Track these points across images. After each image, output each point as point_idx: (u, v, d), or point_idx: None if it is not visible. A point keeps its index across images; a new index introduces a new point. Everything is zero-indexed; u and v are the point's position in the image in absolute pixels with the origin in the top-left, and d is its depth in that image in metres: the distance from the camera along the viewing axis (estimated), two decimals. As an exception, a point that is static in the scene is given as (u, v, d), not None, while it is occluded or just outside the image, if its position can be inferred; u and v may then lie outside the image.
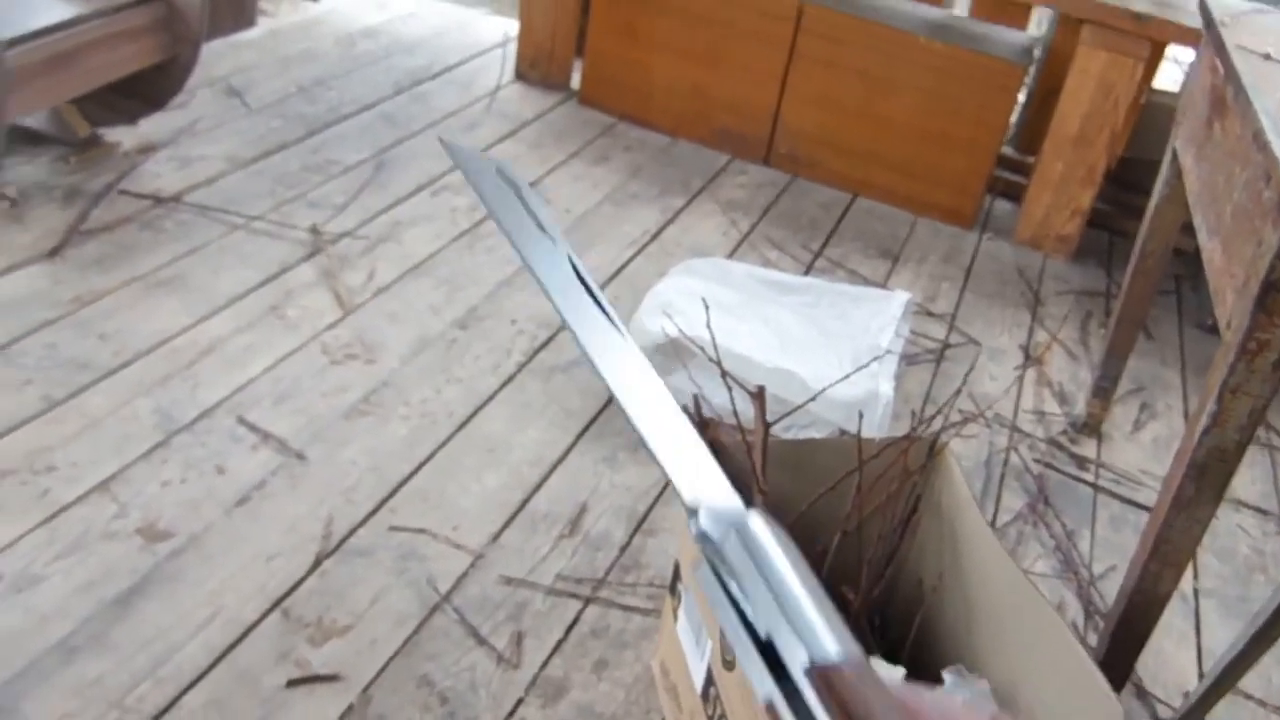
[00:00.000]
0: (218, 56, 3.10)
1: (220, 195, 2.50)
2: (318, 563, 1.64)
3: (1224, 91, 1.58)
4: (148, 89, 2.57)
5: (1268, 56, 1.55)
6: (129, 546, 1.60)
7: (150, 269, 2.21)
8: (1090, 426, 2.26)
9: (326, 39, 3.49)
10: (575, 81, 3.40)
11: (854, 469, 1.42)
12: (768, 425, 1.46)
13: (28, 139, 2.52)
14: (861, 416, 1.60)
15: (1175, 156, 1.89)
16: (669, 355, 2.10)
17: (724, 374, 1.48)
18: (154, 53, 2.48)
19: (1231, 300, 1.35)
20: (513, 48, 3.52)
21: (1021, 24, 3.18)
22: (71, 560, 1.56)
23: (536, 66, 3.43)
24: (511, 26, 3.72)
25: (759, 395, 1.50)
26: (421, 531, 1.72)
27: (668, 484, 1.90)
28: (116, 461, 1.74)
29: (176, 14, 2.46)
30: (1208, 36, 1.75)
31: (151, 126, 2.69)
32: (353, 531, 1.71)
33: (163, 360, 1.98)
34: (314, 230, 2.45)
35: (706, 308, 1.65)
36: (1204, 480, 1.38)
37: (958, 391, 1.71)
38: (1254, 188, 1.34)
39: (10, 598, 1.49)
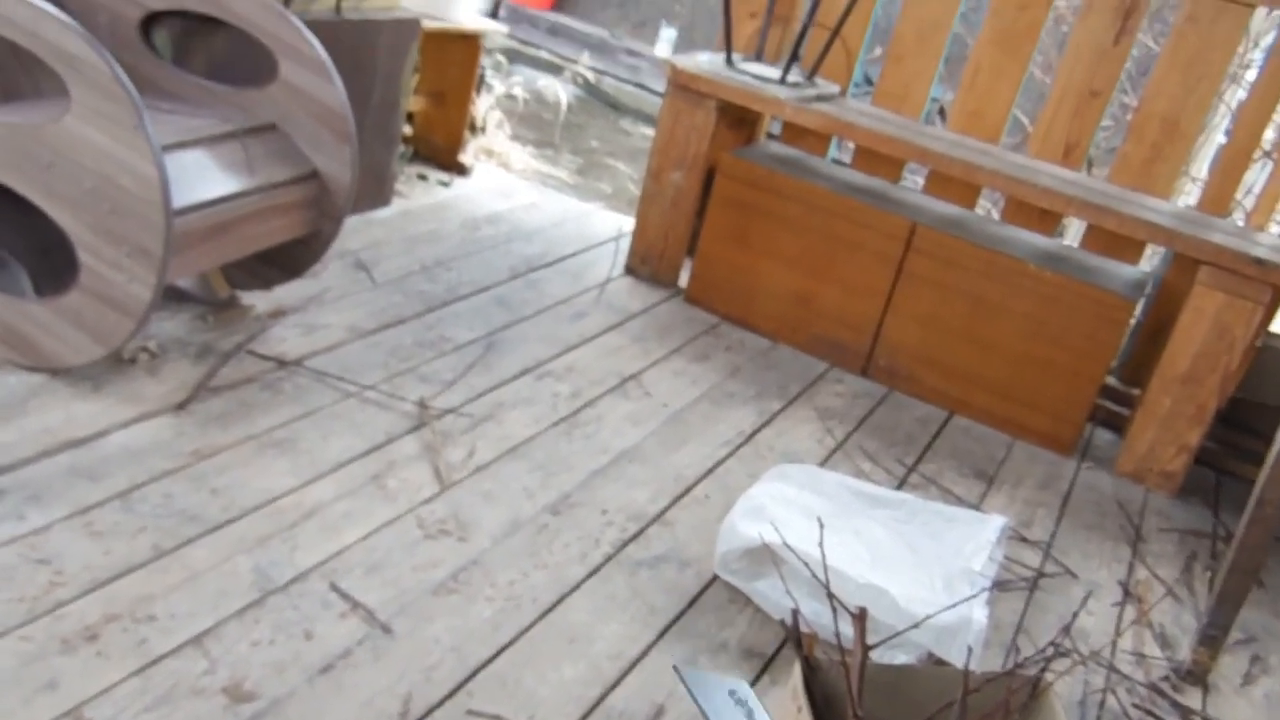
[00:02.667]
0: (352, 231, 3.25)
1: (338, 363, 2.58)
2: (392, 741, 1.61)
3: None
4: (288, 259, 2.70)
5: None
6: (213, 705, 1.59)
7: (266, 429, 2.27)
8: (1196, 675, 2.15)
9: (452, 221, 3.65)
10: (683, 280, 3.49)
11: (953, 701, 1.37)
12: (868, 648, 1.42)
13: (174, 296, 2.65)
14: (970, 651, 1.54)
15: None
16: (759, 560, 2.08)
17: (830, 596, 1.45)
18: (302, 226, 2.61)
19: None
20: (625, 243, 3.64)
21: (1133, 258, 3.20)
22: (158, 714, 1.55)
23: (647, 263, 3.53)
24: (626, 222, 3.86)
25: (860, 617, 1.47)
26: (498, 718, 1.69)
27: (751, 694, 1.85)
28: (212, 616, 1.75)
29: (327, 192, 2.60)
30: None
31: (284, 292, 2.81)
32: (430, 712, 1.67)
33: (266, 519, 2.01)
34: (421, 404, 2.50)
35: (821, 527, 1.63)
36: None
37: (1066, 629, 1.64)
38: None
39: (91, 747, 1.49)
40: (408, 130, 4.00)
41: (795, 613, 1.50)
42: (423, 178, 3.98)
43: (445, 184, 4.00)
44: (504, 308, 3.10)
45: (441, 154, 4.13)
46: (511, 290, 3.23)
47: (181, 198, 2.19)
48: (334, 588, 1.89)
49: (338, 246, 2.81)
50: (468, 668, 1.78)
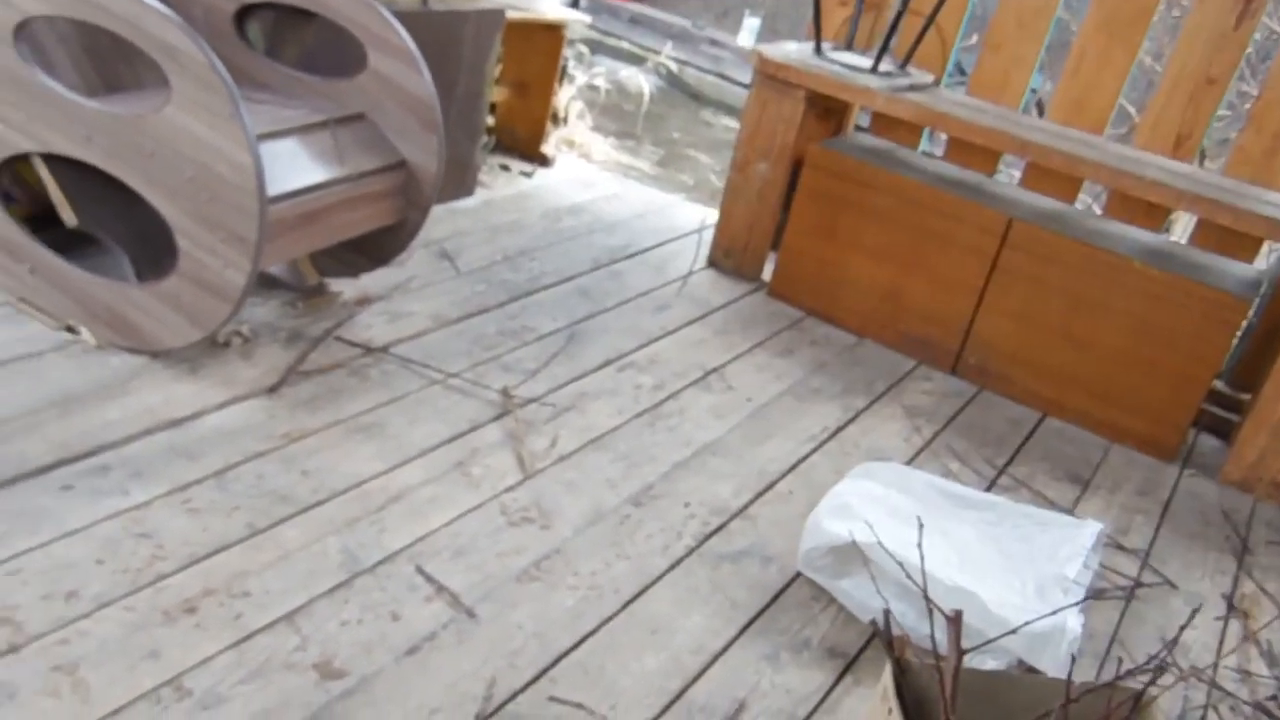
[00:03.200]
0: (436, 221, 3.32)
1: (423, 350, 2.65)
2: (475, 723, 1.66)
3: None
4: (375, 247, 2.77)
5: None
6: (305, 680, 1.66)
7: (353, 414, 2.34)
8: (1302, 693, 2.12)
9: (535, 212, 3.71)
10: (767, 273, 3.50)
11: (1050, 711, 1.38)
12: (962, 652, 1.43)
13: (265, 283, 2.74)
14: (1073, 660, 1.54)
15: None
16: (845, 558, 2.09)
17: (927, 599, 1.47)
18: (389, 215, 2.68)
19: None
20: (709, 235, 3.66)
21: (1248, 256, 3.14)
22: (253, 686, 1.62)
23: (730, 255, 3.56)
24: (709, 214, 3.88)
25: (955, 620, 1.48)
26: (579, 707, 1.73)
27: (830, 691, 1.87)
28: (304, 594, 1.82)
29: (414, 181, 2.67)
30: None
31: (371, 280, 2.89)
32: (513, 697, 1.72)
33: (354, 502, 2.08)
34: (504, 392, 2.56)
35: (921, 527, 1.67)
36: None
37: (1174, 641, 1.63)
38: None
39: (197, 714, 1.56)
40: (491, 121, 4.07)
41: (887, 613, 1.52)
42: (505, 168, 4.05)
43: (528, 174, 4.06)
44: (586, 298, 3.15)
45: (524, 144, 4.20)
46: (594, 281, 3.28)
47: (275, 186, 2.27)
48: (420, 571, 1.94)
49: (423, 236, 2.88)
50: (550, 655, 1.83)
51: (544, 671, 1.79)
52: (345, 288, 2.84)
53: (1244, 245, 3.12)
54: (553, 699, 1.74)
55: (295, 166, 2.44)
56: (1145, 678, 1.56)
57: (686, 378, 2.83)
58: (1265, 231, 2.89)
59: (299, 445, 2.20)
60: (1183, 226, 4.08)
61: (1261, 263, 3.29)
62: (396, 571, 1.93)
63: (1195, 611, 1.93)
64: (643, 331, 3.03)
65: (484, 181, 3.83)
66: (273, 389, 2.36)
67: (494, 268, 3.21)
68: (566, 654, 1.84)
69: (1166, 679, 2.03)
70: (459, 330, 2.80)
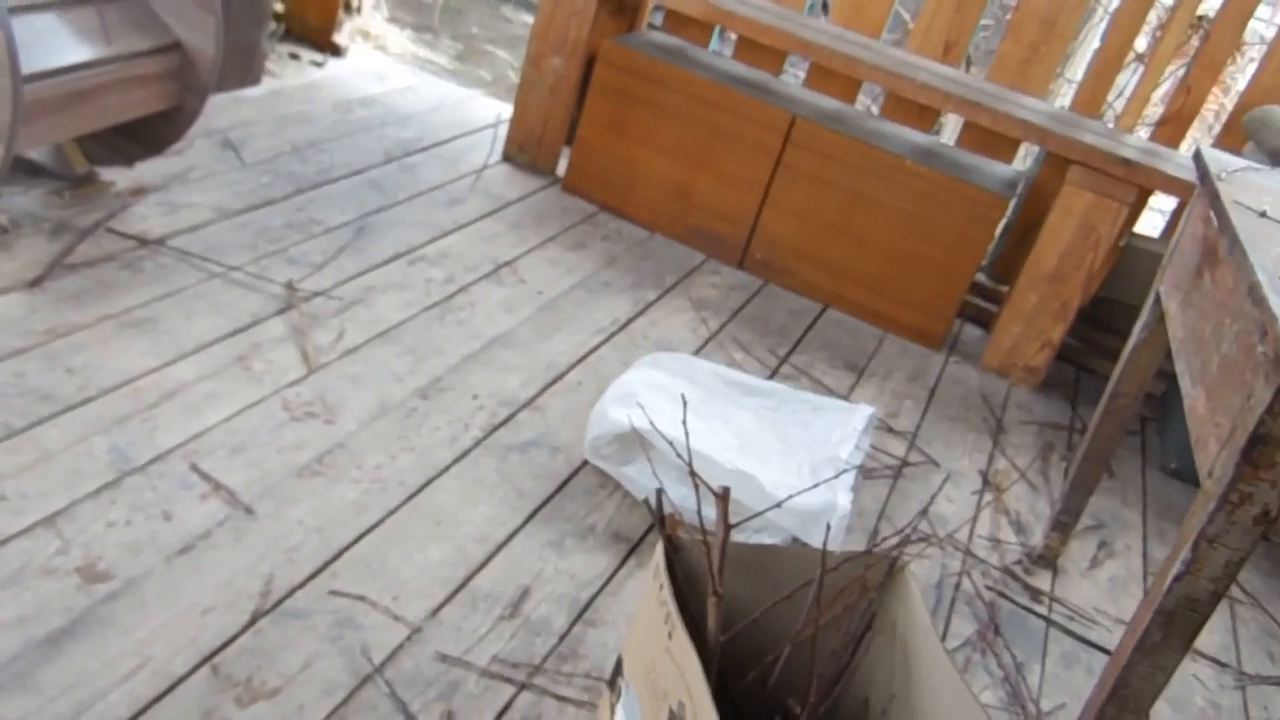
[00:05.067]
0: (219, 109, 3.09)
1: (203, 243, 2.47)
2: (253, 621, 1.57)
3: (1217, 243, 1.59)
4: (150, 134, 2.56)
5: (1264, 214, 1.57)
6: (66, 585, 1.53)
7: (125, 308, 2.16)
8: (1046, 559, 2.24)
9: (325, 103, 3.50)
10: (561, 168, 3.42)
11: (812, 580, 1.39)
12: (729, 527, 1.43)
13: (27, 170, 2.48)
14: (828, 528, 1.57)
15: (1158, 301, 1.90)
16: (629, 446, 2.08)
17: (693, 474, 1.46)
18: (163, 100, 2.47)
19: (1214, 449, 1.33)
20: (503, 130, 3.54)
21: (1007, 157, 3.24)
22: (6, 594, 1.49)
23: (525, 150, 3.45)
24: (504, 109, 3.75)
25: (723, 497, 1.47)
26: (361, 599, 1.66)
27: (614, 574, 1.86)
28: (66, 497, 1.68)
29: (190, 65, 2.46)
30: (1202, 189, 1.77)
31: (147, 170, 2.66)
32: (292, 592, 1.64)
33: (124, 400, 1.92)
34: (289, 286, 2.42)
35: (685, 405, 1.62)
36: (1172, 628, 1.34)
37: (922, 512, 1.69)
38: (1245, 341, 1.33)
39: (-72, 628, 1.42)
40: (280, 7, 3.81)
41: (659, 492, 1.50)
42: (295, 57, 3.80)
43: (319, 64, 3.82)
44: (377, 191, 3.01)
45: (315, 33, 3.94)
46: (385, 174, 3.13)
47: (31, 63, 2.05)
48: (195, 468, 1.83)
49: (204, 124, 2.68)
50: (331, 549, 1.75)
51: (325, 566, 1.71)
52: (118, 177, 2.61)
53: (1004, 146, 3.22)
54: (333, 592, 1.67)
55: (56, 44, 2.21)
56: (903, 543, 1.60)
57: (478, 271, 2.74)
58: (1021, 133, 3.00)
59: (64, 341, 2.02)
60: (951, 128, 4.19)
61: (1020, 164, 3.40)
62: (169, 470, 1.80)
63: (945, 481, 2.00)
64: (434, 225, 2.92)
65: (272, 70, 3.58)
66: (34, 283, 2.15)
67: (281, 159, 3.02)
68: (348, 548, 1.76)
69: (922, 547, 2.11)
70: (242, 223, 2.63)
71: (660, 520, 1.44)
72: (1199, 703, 2.02)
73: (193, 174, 2.77)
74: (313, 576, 1.68)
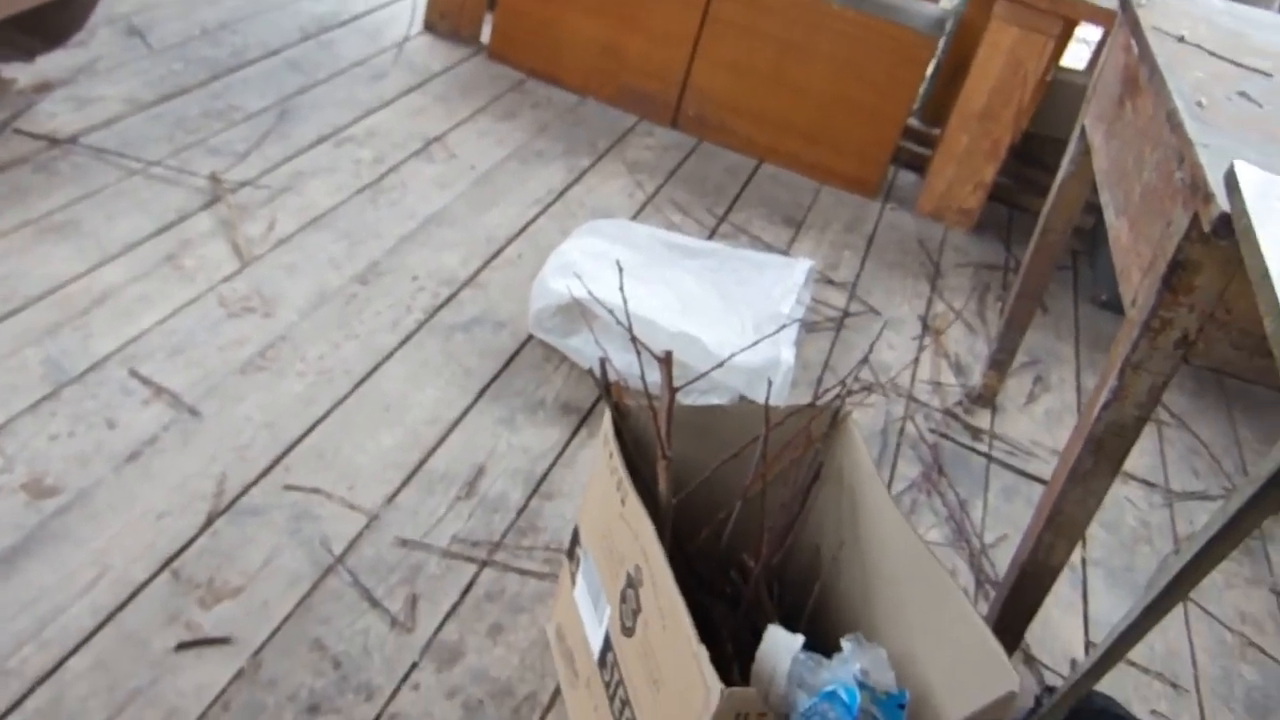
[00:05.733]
0: (119, -8, 2.95)
1: (118, 138, 2.37)
2: (209, 522, 1.57)
3: (1137, 71, 1.57)
4: (48, 24, 2.42)
5: (1182, 39, 1.55)
6: (13, 503, 1.51)
7: (43, 213, 2.08)
8: (985, 398, 2.28)
9: (231, -20, 3.33)
10: (485, 35, 3.30)
11: (758, 436, 1.40)
12: (674, 390, 1.43)
13: (-87, 71, 2.36)
14: (770, 384, 1.57)
15: (1083, 134, 1.89)
16: (573, 316, 2.06)
17: (634, 340, 1.45)
18: (55, -15, 2.33)
19: (1137, 278, 1.34)
20: (423, -2, 3.41)
21: (933, -3, 3.18)
22: (-56, 518, 1.47)
23: (446, 18, 3.33)
24: (423, -24, 3.60)
25: (666, 361, 1.47)
26: (316, 491, 1.66)
27: (566, 446, 1.87)
28: (2, 413, 1.64)
29: (78, -54, 2.33)
30: (1123, 17, 1.74)
31: (49, 64, 2.53)
32: (246, 490, 1.63)
33: (53, 308, 1.86)
34: (213, 178, 2.34)
35: (620, 270, 1.61)
36: (1101, 454, 1.38)
37: (863, 361, 1.70)
38: (1165, 168, 1.33)
39: (-125, 556, 1.40)
40: (172, -123, 3.59)
41: (603, 361, 1.49)
42: (196, -69, 3.60)
43: (222, -62, 3.63)
44: (296, 71, 2.89)
45: (214, -96, 3.73)
46: (303, 52, 3.01)
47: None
48: (134, 374, 1.79)
49: (104, 10, 2.55)
50: (282, 444, 1.73)
51: (277, 461, 1.70)
52: (19, 74, 2.48)
53: (932, -16, 3.15)
54: (288, 487, 1.66)
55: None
56: (846, 393, 1.61)
57: (407, 149, 2.67)
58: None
59: (-20, 252, 1.95)
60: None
61: (948, 2, 3.33)
62: (108, 377, 1.76)
63: (882, 328, 2.01)
64: (359, 103, 2.82)
65: (172, -52, 3.40)
66: (-58, 193, 2.07)
67: (191, 43, 2.88)
68: (299, 441, 1.75)
69: (865, 395, 2.14)
70: (157, 114, 2.52)
71: (606, 389, 1.44)
72: (1130, 523, 2.10)
73: (99, 65, 2.64)
74: (265, 473, 1.67)
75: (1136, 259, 1.37)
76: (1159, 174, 1.35)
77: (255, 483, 1.65)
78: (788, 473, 1.47)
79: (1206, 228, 1.14)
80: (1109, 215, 1.56)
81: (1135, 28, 1.61)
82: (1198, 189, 1.17)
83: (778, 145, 3.06)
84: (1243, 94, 1.42)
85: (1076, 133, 1.94)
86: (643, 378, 1.41)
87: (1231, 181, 1.09)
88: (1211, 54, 1.54)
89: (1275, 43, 1.67)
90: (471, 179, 2.61)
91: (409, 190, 2.50)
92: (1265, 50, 1.62)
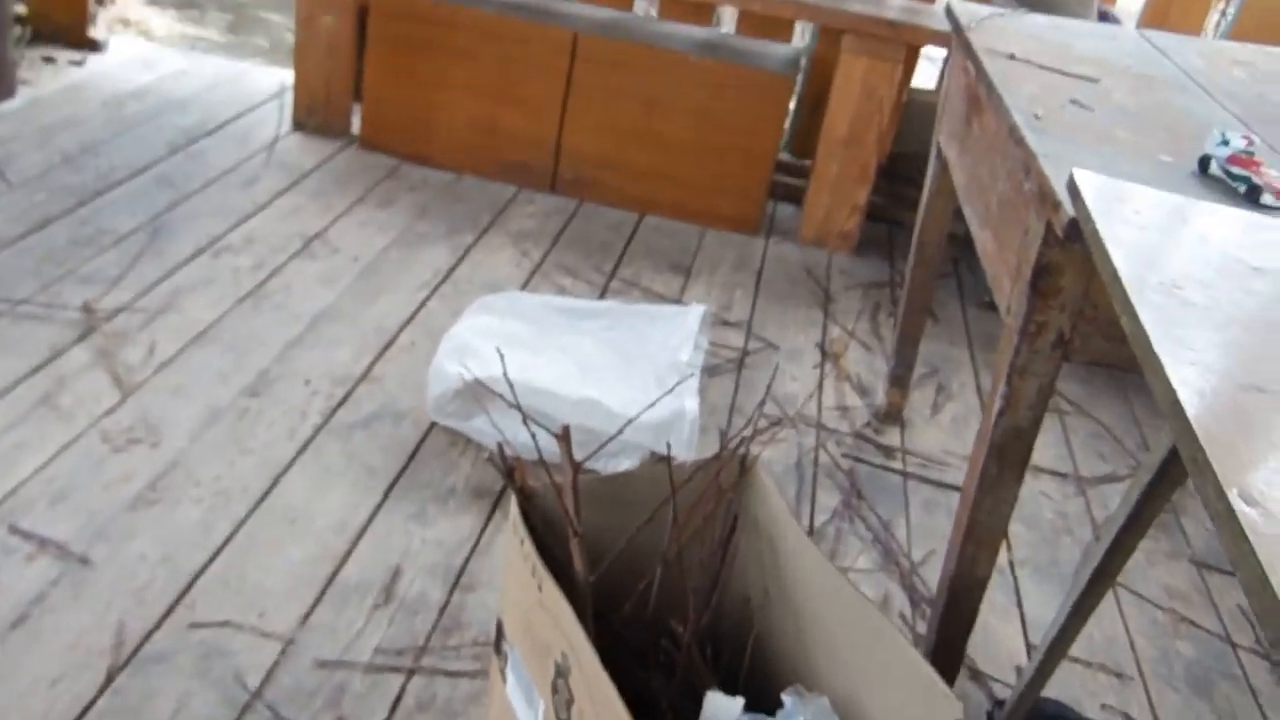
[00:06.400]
0: (-31, 133, 2.79)
1: (-22, 281, 2.22)
2: (110, 679, 1.42)
3: (978, 90, 1.57)
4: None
5: (1013, 56, 1.57)
6: (-121, 697, 1.36)
7: (-100, 370, 1.93)
8: (892, 415, 2.23)
9: (92, 103, 3.19)
10: (355, 126, 3.21)
11: (667, 499, 1.32)
12: (576, 466, 1.33)
13: None
14: (669, 448, 1.49)
15: (940, 152, 1.88)
16: (469, 400, 1.96)
17: (525, 419, 1.35)
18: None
19: (1008, 286, 1.33)
20: (289, 97, 3.30)
21: (786, 37, 3.17)
22: None
23: (314, 114, 3.22)
24: (286, 76, 3.49)
25: (564, 436, 1.38)
26: (224, 624, 1.53)
27: (482, 533, 1.76)
28: None
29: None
30: (957, 41, 1.75)
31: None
32: (147, 637, 1.49)
33: (-80, 470, 1.72)
34: (86, 308, 2.20)
35: (502, 357, 1.51)
36: (1005, 460, 1.35)
37: (762, 401, 1.63)
38: (1015, 179, 1.33)
39: None
40: (22, 9, 3.44)
41: (500, 446, 1.40)
42: (49, 60, 3.45)
43: (78, 63, 3.48)
44: (167, 186, 2.76)
45: (67, 31, 3.57)
46: (172, 166, 2.88)
47: None
48: (14, 530, 1.64)
49: (-48, 152, 2.39)
50: (183, 579, 1.60)
51: (179, 598, 1.56)
52: None
53: (780, 27, 3.14)
54: (194, 625, 1.52)
55: None
56: (753, 435, 1.54)
57: (287, 250, 2.55)
58: (792, 13, 2.96)
59: None
60: (729, 18, 4.08)
61: (799, 40, 3.33)
62: (-14, 537, 1.62)
63: (776, 367, 1.94)
64: (234, 210, 2.70)
65: (26, 79, 3.24)
66: None
67: (53, 172, 2.74)
68: (201, 572, 1.61)
69: (775, 431, 2.07)
70: (21, 250, 2.37)
71: (508, 474, 1.34)
72: (1048, 515, 2.05)
73: (-43, 209, 2.49)
74: (168, 613, 1.54)
75: (1004, 267, 1.36)
76: (1011, 185, 1.35)
77: (157, 626, 1.51)
78: (704, 530, 1.38)
79: (1060, 233, 1.13)
80: (973, 227, 1.54)
81: (969, 50, 1.62)
82: (1046, 198, 1.17)
83: (657, 197, 3.01)
84: (1075, 101, 1.45)
85: (934, 151, 1.93)
86: (541, 457, 1.32)
87: (1073, 189, 1.08)
88: (1041, 67, 1.56)
89: (1097, 49, 1.71)
90: (356, 271, 2.50)
91: (293, 292, 2.38)
92: (1089, 58, 1.66)
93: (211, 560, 1.64)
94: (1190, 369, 0.81)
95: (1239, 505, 0.65)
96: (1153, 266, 0.97)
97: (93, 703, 1.38)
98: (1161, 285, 0.93)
